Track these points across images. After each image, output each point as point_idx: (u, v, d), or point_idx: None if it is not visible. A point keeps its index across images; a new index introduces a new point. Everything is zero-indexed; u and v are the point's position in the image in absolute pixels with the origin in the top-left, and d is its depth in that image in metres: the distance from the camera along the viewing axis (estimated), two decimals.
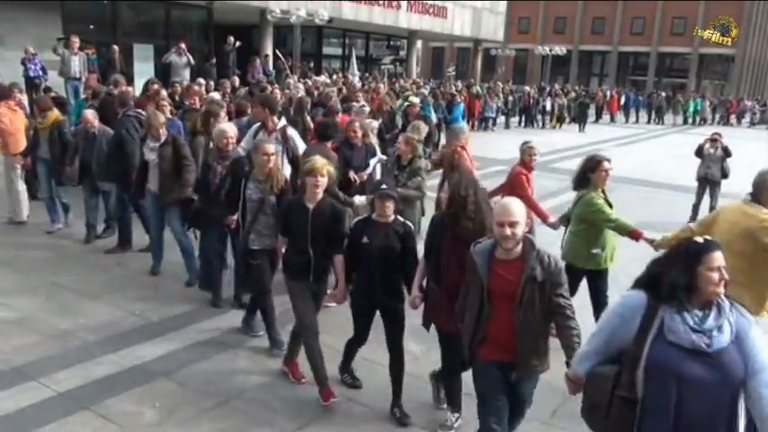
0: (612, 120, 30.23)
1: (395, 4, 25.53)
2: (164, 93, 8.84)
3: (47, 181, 7.52)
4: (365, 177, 6.23)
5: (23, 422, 3.85)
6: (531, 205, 5.77)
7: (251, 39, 22.83)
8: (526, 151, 6.39)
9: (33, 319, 5.27)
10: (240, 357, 4.83)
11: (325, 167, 4.13)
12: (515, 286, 3.05)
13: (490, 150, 14.47)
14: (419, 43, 33.69)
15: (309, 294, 4.27)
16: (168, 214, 6.17)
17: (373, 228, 4.04)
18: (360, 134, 6.38)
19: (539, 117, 25.36)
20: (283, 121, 6.48)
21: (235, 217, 4.99)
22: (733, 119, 34.75)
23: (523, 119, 24.94)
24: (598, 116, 29.20)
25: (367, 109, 8.75)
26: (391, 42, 31.34)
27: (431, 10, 27.94)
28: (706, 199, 10.03)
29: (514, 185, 6.17)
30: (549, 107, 25.32)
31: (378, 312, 4.17)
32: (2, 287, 5.89)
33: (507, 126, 23.93)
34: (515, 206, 3.06)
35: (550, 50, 37.51)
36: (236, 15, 20.98)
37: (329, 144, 6.14)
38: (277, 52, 19.12)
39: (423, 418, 4.10)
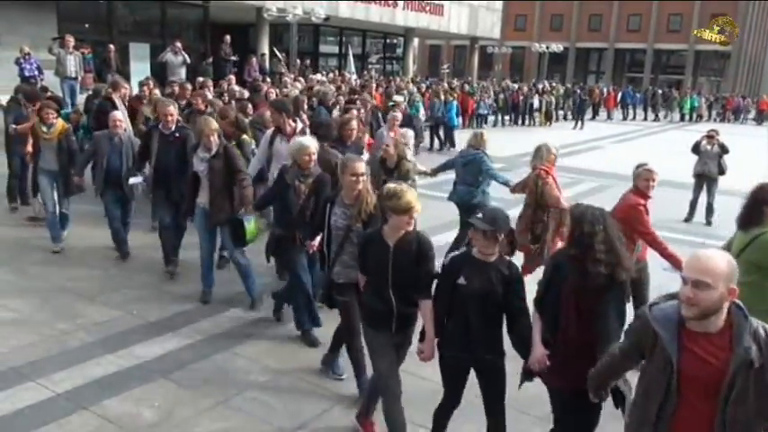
0: (609, 117, 30.27)
1: (391, 2, 25.50)
2: (157, 92, 8.75)
3: (51, 195, 6.93)
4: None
5: (22, 423, 3.84)
6: (656, 246, 4.84)
7: (247, 37, 22.80)
8: (642, 175, 5.04)
9: (31, 319, 5.26)
10: (239, 357, 4.83)
11: (418, 201, 3.42)
12: (721, 373, 2.19)
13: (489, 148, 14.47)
14: (416, 41, 33.64)
15: (392, 348, 3.59)
16: (221, 233, 5.68)
17: (472, 266, 3.26)
18: (355, 133, 6.30)
19: (527, 115, 24.87)
20: (300, 125, 6.50)
21: (316, 242, 4.49)
22: (730, 115, 34.84)
23: (513, 117, 24.54)
24: (595, 113, 29.22)
25: (400, 116, 8.64)
26: (387, 40, 31.29)
27: (427, 8, 27.91)
28: (703, 195, 10.05)
29: (630, 220, 4.68)
30: (536, 104, 24.94)
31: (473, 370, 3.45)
32: (0, 288, 5.88)
33: (501, 124, 23.76)
34: (713, 261, 2.19)
35: (547, 48, 37.49)
36: (233, 14, 20.94)
37: (291, 121, 6.17)
38: (275, 50, 19.09)
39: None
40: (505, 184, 6.55)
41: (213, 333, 5.19)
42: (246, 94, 10.37)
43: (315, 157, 4.87)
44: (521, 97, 24.39)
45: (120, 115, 6.63)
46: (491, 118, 23.19)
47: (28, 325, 5.14)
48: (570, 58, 53.42)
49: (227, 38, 17.97)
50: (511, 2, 45.30)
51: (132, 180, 6.48)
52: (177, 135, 6.19)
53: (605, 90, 32.48)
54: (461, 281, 3.26)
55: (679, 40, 50.73)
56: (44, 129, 6.83)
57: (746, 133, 25.98)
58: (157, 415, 4.01)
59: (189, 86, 10.13)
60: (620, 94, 32.52)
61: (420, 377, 4.14)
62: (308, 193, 4.80)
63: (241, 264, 5.59)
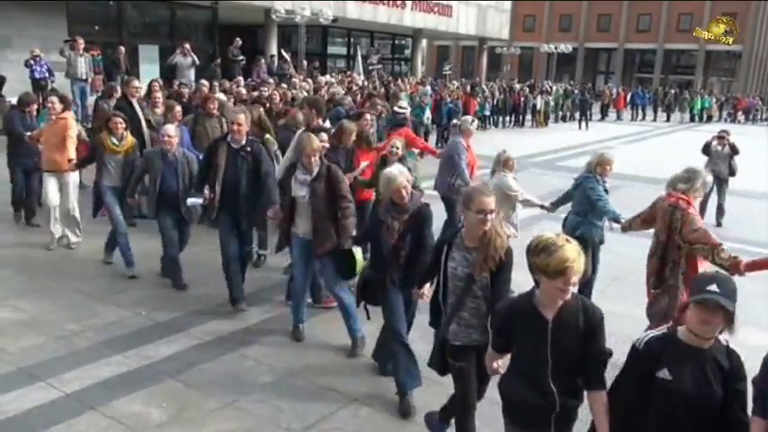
0: (619, 117, 30.10)
1: (399, 2, 25.51)
2: (158, 93, 8.50)
3: (119, 214, 6.37)
4: (352, 179, 5.97)
5: (31, 423, 3.86)
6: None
7: (256, 39, 22.89)
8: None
9: (40, 320, 5.29)
10: (247, 358, 4.83)
11: (580, 256, 2.53)
12: None
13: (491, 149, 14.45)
14: (424, 42, 33.63)
15: None
16: (322, 266, 4.95)
17: (679, 353, 2.39)
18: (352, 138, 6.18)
19: (528, 116, 24.47)
20: (327, 123, 6.52)
21: (425, 291, 3.77)
22: (740, 116, 34.58)
23: (513, 118, 24.20)
24: (603, 114, 29.05)
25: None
26: (395, 41, 31.28)
27: (436, 8, 27.91)
28: (713, 196, 9.97)
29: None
30: (539, 106, 24.53)
31: None
32: (9, 289, 5.91)
33: (502, 125, 23.48)
34: None
35: (556, 48, 37.36)
36: (241, 15, 21.02)
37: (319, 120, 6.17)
38: (282, 52, 19.14)
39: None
40: (615, 220, 5.47)
41: (221, 334, 5.19)
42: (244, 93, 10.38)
43: (409, 188, 4.10)
44: (521, 98, 24.07)
45: (173, 130, 5.96)
46: (492, 119, 23.06)
47: (37, 326, 5.17)
48: (579, 58, 53.16)
49: (238, 40, 18.02)
50: (519, 2, 45.15)
51: (191, 201, 5.82)
52: (249, 149, 5.37)
53: (615, 91, 32.25)
54: (664, 374, 2.38)
55: (689, 40, 50.22)
56: (114, 141, 6.31)
57: (758, 134, 25.76)
58: (165, 415, 4.01)
59: (205, 88, 10.03)
60: (629, 95, 32.33)
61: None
62: (403, 230, 4.10)
63: (345, 301, 4.80)
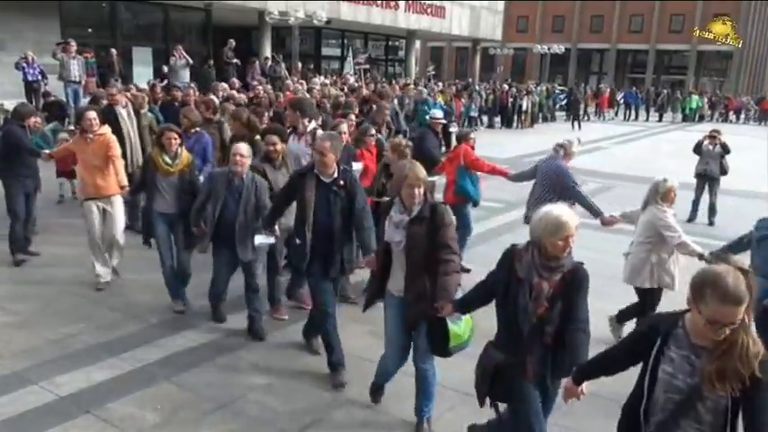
0: (600, 116, 29.95)
1: (393, 4, 25.53)
2: (121, 97, 8.11)
3: (168, 244, 5.56)
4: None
5: (25, 426, 3.85)
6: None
7: (250, 40, 22.87)
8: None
9: (34, 322, 5.27)
10: (242, 360, 4.83)
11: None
12: None
13: (490, 151, 14.52)
14: (418, 43, 33.67)
15: None
16: (416, 333, 3.77)
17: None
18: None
19: (515, 117, 24.31)
20: (313, 124, 6.47)
21: (582, 389, 2.74)
22: (732, 115, 34.78)
23: (501, 119, 24.08)
24: (584, 113, 28.93)
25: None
26: (389, 42, 31.32)
27: (429, 10, 27.95)
28: (705, 196, 10.05)
29: None
30: (525, 106, 24.37)
31: None
32: (2, 292, 5.89)
33: (489, 125, 23.34)
34: None
35: (549, 49, 37.48)
36: (235, 17, 21.01)
37: (310, 123, 5.80)
38: (275, 56, 19.13)
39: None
40: None
41: (216, 336, 5.19)
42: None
43: (573, 240, 2.94)
44: (509, 99, 23.95)
45: (245, 149, 4.98)
46: (481, 120, 23.01)
47: (31, 328, 5.16)
48: (572, 59, 53.34)
49: (232, 42, 18.02)
50: (512, 3, 45.29)
51: (260, 241, 4.87)
52: (342, 182, 4.35)
53: (600, 89, 31.85)
54: None
55: (681, 41, 50.60)
56: (166, 159, 5.37)
57: (748, 133, 25.92)
58: (160, 418, 4.01)
59: (192, 91, 9.97)
60: (621, 95, 32.32)
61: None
62: (552, 295, 2.94)
63: (429, 377, 3.83)
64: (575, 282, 2.93)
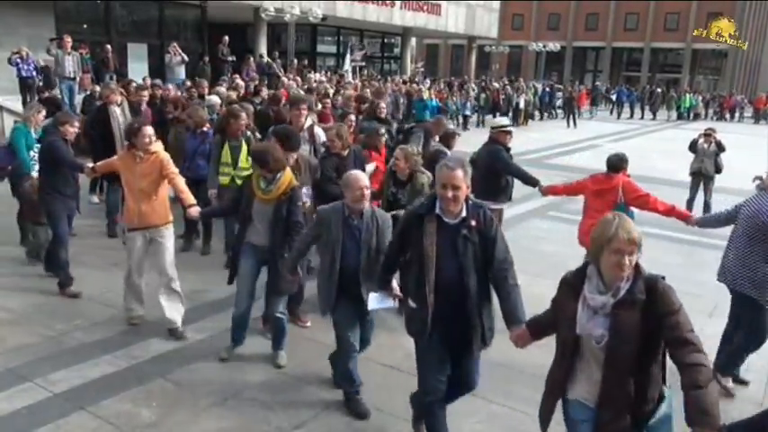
0: (579, 115, 29.79)
1: (389, 1, 25.52)
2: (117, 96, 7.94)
3: (252, 285, 4.66)
4: None
5: (19, 423, 3.84)
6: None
7: (245, 37, 22.80)
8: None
9: (28, 319, 5.25)
10: (237, 358, 4.81)
11: None
12: None
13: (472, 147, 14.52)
14: (413, 41, 33.66)
15: None
16: None
17: None
18: (340, 142, 5.62)
19: (509, 115, 23.75)
20: (310, 120, 6.44)
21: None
22: (727, 114, 34.90)
23: (494, 117, 24.10)
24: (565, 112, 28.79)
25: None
26: (384, 40, 31.28)
27: (425, 7, 27.95)
28: (700, 194, 10.08)
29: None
30: (522, 104, 24.21)
31: None
32: None
33: (482, 125, 22.97)
34: None
35: (544, 47, 37.53)
36: (230, 14, 20.95)
37: (294, 155, 5.13)
38: (269, 60, 19.02)
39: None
40: None
41: (211, 333, 5.18)
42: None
43: None
44: (501, 96, 23.85)
45: (366, 180, 4.02)
46: (473, 118, 22.95)
47: (25, 325, 5.14)
48: (567, 57, 53.42)
49: (226, 39, 17.97)
50: (508, 1, 45.31)
51: (376, 304, 3.81)
52: (474, 222, 3.22)
53: (578, 89, 31.52)
54: None
55: (676, 39, 50.75)
56: (261, 184, 4.47)
57: (743, 131, 26.01)
58: (155, 415, 4.00)
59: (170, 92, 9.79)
60: (614, 93, 32.31)
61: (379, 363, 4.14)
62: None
63: None
64: None
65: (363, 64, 23.74)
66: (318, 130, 6.37)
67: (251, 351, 4.91)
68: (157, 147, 5.10)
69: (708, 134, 10.12)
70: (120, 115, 7.63)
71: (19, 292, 5.83)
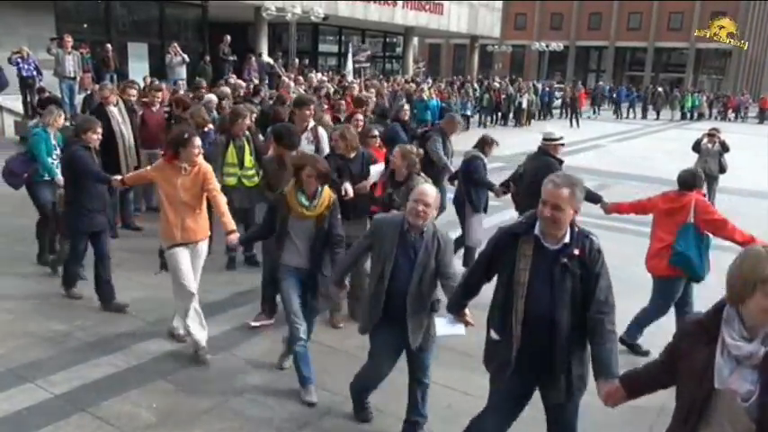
0: (579, 115, 29.81)
1: (390, 1, 25.47)
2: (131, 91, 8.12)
3: (298, 308, 4.20)
4: (368, 188, 5.38)
5: (20, 424, 3.82)
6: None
7: (246, 36, 22.80)
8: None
9: (29, 320, 5.23)
10: (237, 358, 4.80)
11: None
12: None
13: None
14: (415, 40, 33.64)
15: None
16: None
17: None
18: (344, 143, 5.45)
19: (510, 115, 24.20)
20: (313, 121, 6.43)
21: None
22: (731, 114, 34.85)
23: (495, 116, 23.95)
24: (562, 112, 28.82)
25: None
26: (386, 39, 31.26)
27: (427, 6, 27.93)
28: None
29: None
30: (524, 104, 24.24)
31: None
32: None
33: (483, 125, 23.08)
34: None
35: (547, 46, 37.49)
36: (231, 13, 20.96)
37: (293, 153, 5.06)
38: (270, 61, 19.03)
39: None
40: None
41: (212, 334, 5.13)
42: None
43: None
44: (502, 96, 23.82)
45: (429, 197, 3.48)
46: (474, 119, 22.87)
47: (26, 326, 5.11)
48: (570, 56, 53.42)
49: (228, 38, 17.98)
50: (511, 1, 45.28)
51: (445, 330, 3.45)
52: (578, 252, 2.79)
53: (578, 89, 31.53)
54: None
55: (680, 39, 50.71)
56: (302, 200, 4.13)
57: (748, 132, 25.96)
58: (156, 416, 3.98)
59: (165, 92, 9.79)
60: (618, 93, 32.29)
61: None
62: None
63: None
64: None
65: (368, 65, 23.71)
66: (322, 131, 6.34)
67: (252, 351, 4.89)
68: (200, 159, 4.72)
69: (712, 134, 10.09)
70: (117, 115, 7.58)
71: (19, 292, 5.81)
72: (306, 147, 6.11)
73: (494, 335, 2.98)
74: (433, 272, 3.51)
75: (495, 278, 3.03)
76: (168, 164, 4.66)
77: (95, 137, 5.44)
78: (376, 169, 5.47)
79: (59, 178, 5.98)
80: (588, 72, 54.52)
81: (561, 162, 5.91)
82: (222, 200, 4.74)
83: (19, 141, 13.62)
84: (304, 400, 4.14)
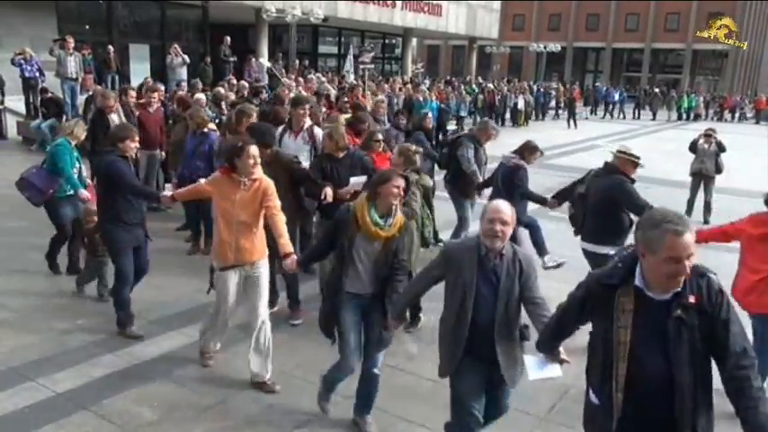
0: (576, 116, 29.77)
1: (390, 2, 25.53)
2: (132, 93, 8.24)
3: (357, 342, 3.80)
4: (347, 197, 5.01)
5: (22, 422, 3.86)
6: None
7: (247, 38, 22.84)
8: None
9: (31, 319, 5.27)
10: (238, 356, 4.82)
11: None
12: None
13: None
14: (414, 41, 33.68)
15: None
16: None
17: None
18: (331, 143, 5.37)
19: (507, 116, 24.09)
20: (309, 121, 6.44)
21: None
22: (727, 114, 34.92)
23: (493, 118, 23.69)
24: (557, 113, 28.75)
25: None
26: (385, 41, 31.30)
27: (426, 8, 27.97)
28: (700, 194, 10.09)
29: None
30: (520, 105, 24.17)
31: None
32: None
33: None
34: None
35: (545, 47, 37.54)
36: (232, 14, 20.98)
37: (268, 151, 4.93)
38: (268, 64, 19.04)
39: (422, 416, 4.12)
40: None
41: None
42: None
43: None
44: (497, 97, 23.78)
45: (503, 213, 3.06)
46: (468, 120, 22.89)
47: (28, 325, 5.15)
48: (568, 57, 53.45)
49: (227, 39, 18.01)
50: (509, 2, 45.33)
51: (539, 373, 2.93)
52: (694, 300, 2.25)
53: (571, 89, 31.38)
54: None
55: (677, 40, 50.81)
56: (376, 218, 3.64)
57: (744, 132, 26.03)
58: (157, 414, 4.02)
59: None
60: (616, 94, 32.34)
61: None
62: None
63: None
64: None
65: (372, 66, 23.69)
66: (318, 131, 6.37)
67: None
68: (260, 172, 4.22)
69: (708, 134, 10.12)
70: (117, 120, 7.65)
71: (21, 291, 5.85)
72: (302, 147, 6.16)
73: (593, 398, 2.47)
74: (518, 297, 3.10)
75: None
76: (226, 177, 4.20)
77: (133, 145, 4.99)
78: (356, 180, 5.18)
79: (84, 192, 5.77)
80: (586, 73, 54.56)
81: (633, 182, 5.09)
82: (281, 219, 4.20)
83: (22, 142, 13.67)
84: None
